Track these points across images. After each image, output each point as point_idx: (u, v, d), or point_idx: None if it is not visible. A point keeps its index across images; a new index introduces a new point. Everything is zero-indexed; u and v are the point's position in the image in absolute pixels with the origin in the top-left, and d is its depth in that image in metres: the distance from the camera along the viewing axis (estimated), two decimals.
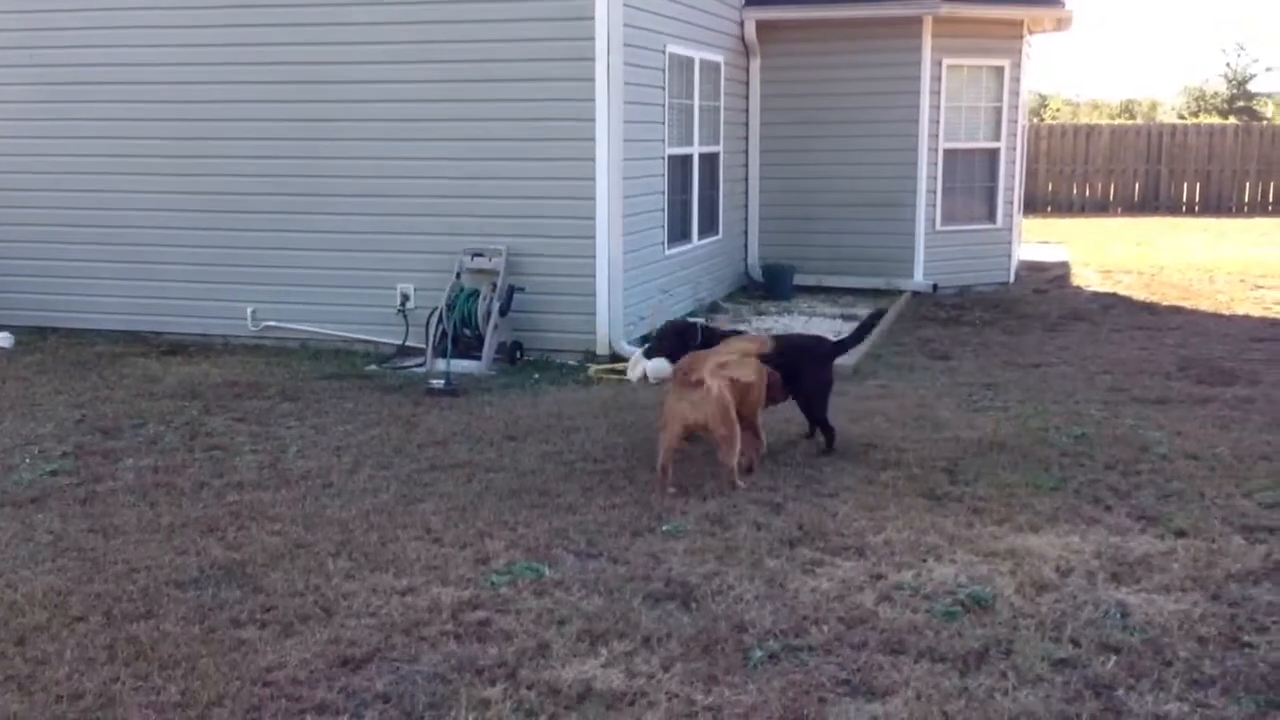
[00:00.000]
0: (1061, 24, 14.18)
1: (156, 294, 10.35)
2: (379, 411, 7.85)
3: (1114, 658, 4.17)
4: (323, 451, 6.86)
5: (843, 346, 7.27)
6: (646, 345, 7.31)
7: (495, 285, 9.25)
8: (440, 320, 9.24)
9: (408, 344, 9.64)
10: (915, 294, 13.02)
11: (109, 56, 10.13)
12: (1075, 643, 4.29)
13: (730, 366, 6.09)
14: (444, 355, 9.00)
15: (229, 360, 9.56)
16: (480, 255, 9.42)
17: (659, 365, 7.06)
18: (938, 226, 13.35)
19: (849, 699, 3.92)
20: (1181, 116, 43.10)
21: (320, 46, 9.65)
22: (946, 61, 13.03)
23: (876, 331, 10.60)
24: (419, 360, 9.36)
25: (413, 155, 9.60)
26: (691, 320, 7.50)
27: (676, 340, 7.00)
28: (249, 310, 10.13)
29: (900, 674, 4.07)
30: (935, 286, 13.20)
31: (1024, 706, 3.84)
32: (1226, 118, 39.48)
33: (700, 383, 5.93)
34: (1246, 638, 4.32)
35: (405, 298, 9.71)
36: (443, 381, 8.53)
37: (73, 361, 9.44)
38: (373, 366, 9.34)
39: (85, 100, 10.26)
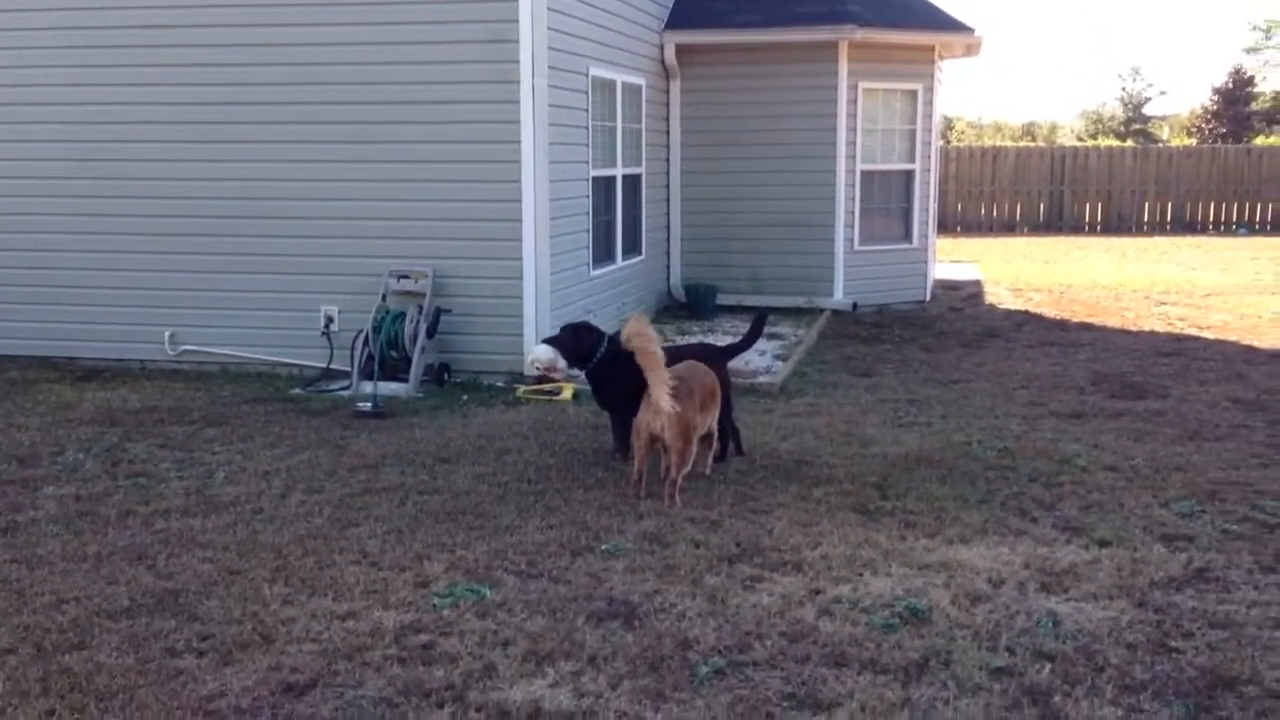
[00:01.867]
0: (971, 49, 14.58)
1: (69, 318, 10.07)
2: (306, 435, 7.75)
3: (1049, 665, 4.29)
4: (251, 476, 6.74)
5: (732, 351, 7.44)
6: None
7: (422, 307, 9.19)
8: (366, 342, 9.15)
9: (333, 366, 9.52)
10: (836, 312, 13.24)
11: (19, 76, 9.86)
12: (1011, 651, 4.41)
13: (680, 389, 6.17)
14: (370, 378, 8.91)
15: (147, 385, 9.35)
16: (406, 277, 9.36)
17: (543, 350, 7.07)
18: (856, 246, 13.60)
19: (795, 712, 3.98)
20: (1080, 139, 44.57)
21: (239, 68, 9.52)
22: (862, 85, 13.31)
23: (801, 349, 10.78)
24: (345, 383, 9.26)
25: (336, 176, 9.50)
26: (591, 323, 7.52)
27: (572, 335, 7.10)
28: (167, 334, 9.91)
29: (844, 686, 4.14)
30: (855, 305, 13.43)
31: (965, 715, 3.94)
32: (1124, 140, 40.92)
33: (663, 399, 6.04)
34: (1173, 643, 4.48)
35: (329, 320, 9.60)
36: (370, 404, 8.45)
37: None
38: (297, 390, 9.21)
39: None
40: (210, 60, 9.57)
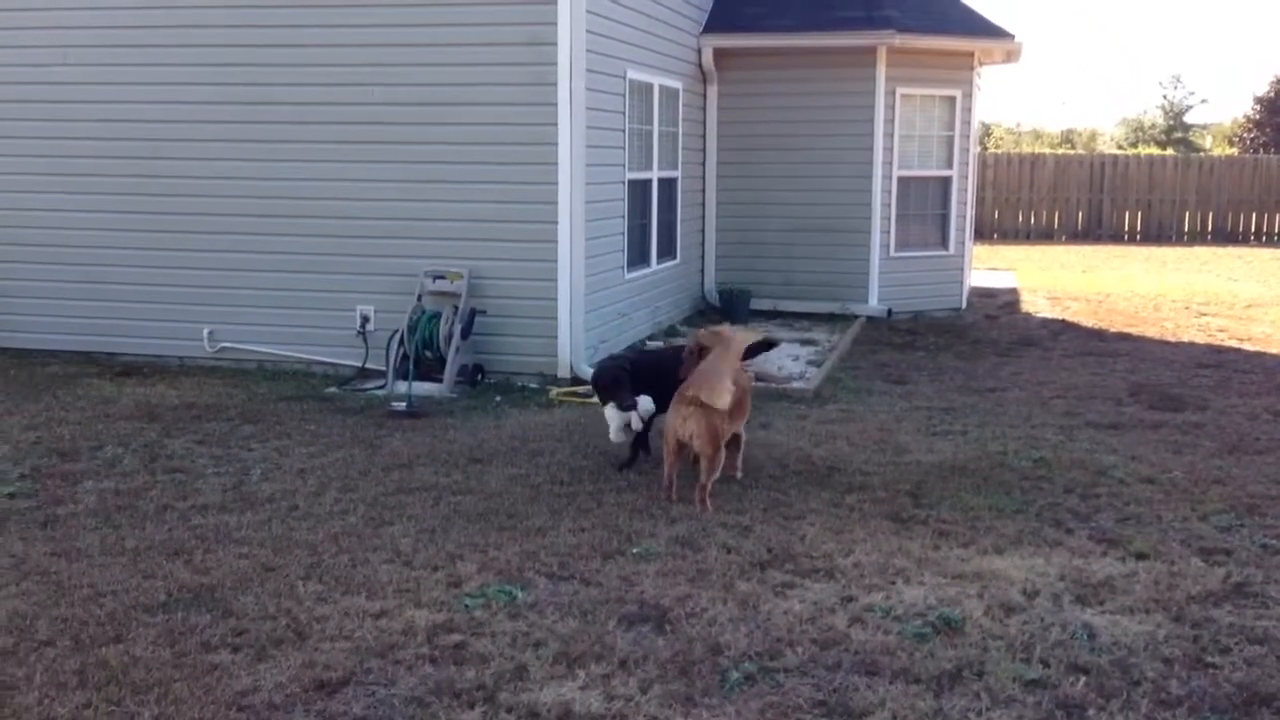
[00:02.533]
0: (1011, 56, 14.48)
1: (110, 314, 10.20)
2: (341, 434, 7.80)
3: (1083, 678, 4.25)
4: (286, 474, 6.80)
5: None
6: (610, 403, 6.84)
7: (457, 308, 9.23)
8: (401, 342, 9.21)
9: (368, 366, 9.58)
10: (870, 319, 13.18)
11: (61, 75, 10.00)
12: (1045, 664, 4.37)
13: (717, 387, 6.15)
14: (405, 377, 8.96)
15: (185, 382, 9.44)
16: (442, 278, 9.41)
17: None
18: (892, 252, 13.53)
19: None
20: (1120, 147, 44.15)
21: (279, 68, 9.61)
22: (900, 91, 13.25)
23: (835, 355, 10.73)
24: (379, 382, 9.31)
25: (374, 177, 9.57)
26: (618, 359, 7.27)
27: (620, 381, 6.80)
28: (205, 331, 10.02)
29: (875, 695, 4.12)
30: (890, 311, 13.37)
31: None
32: (1164, 148, 40.49)
33: (695, 400, 6.07)
34: (1210, 658, 4.43)
35: (365, 319, 9.66)
36: (404, 404, 8.50)
37: (25, 383, 9.27)
38: (333, 389, 9.27)
39: (36, 118, 10.12)
40: (250, 60, 9.66)
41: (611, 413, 6.81)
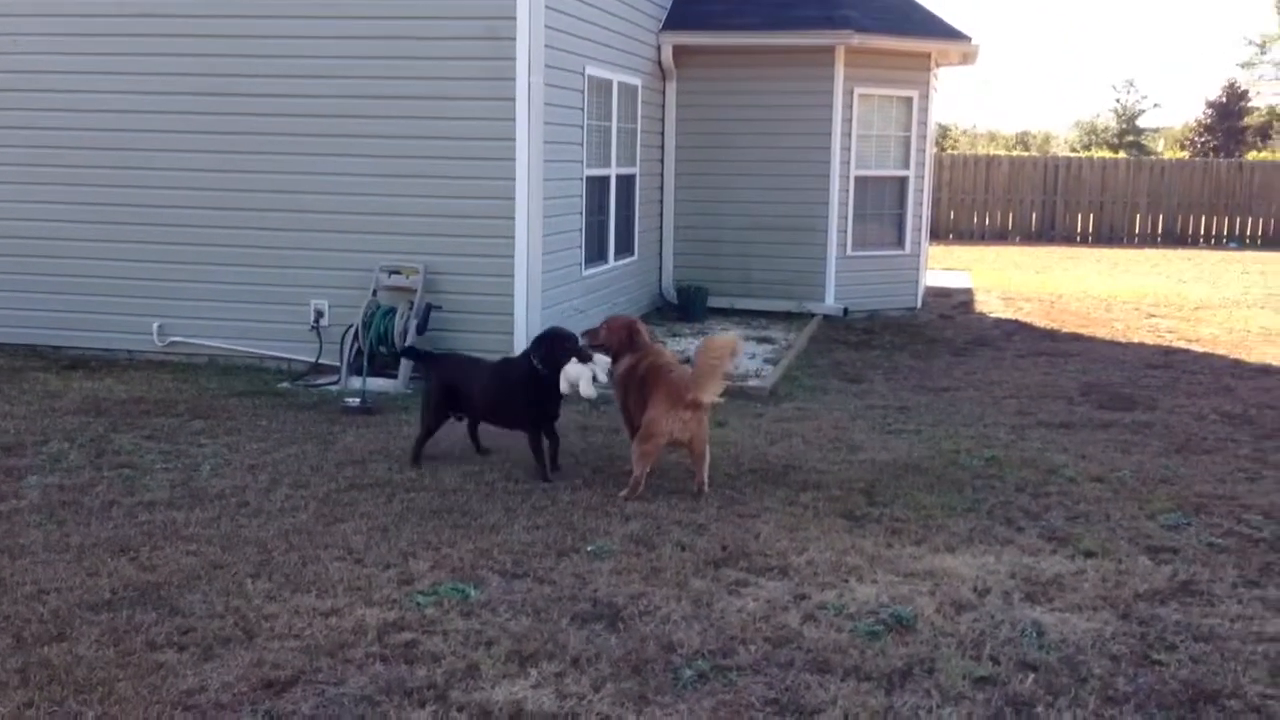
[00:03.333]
0: (967, 58, 14.60)
1: (57, 307, 10.02)
2: (294, 430, 7.72)
3: (1032, 675, 4.29)
4: (237, 470, 6.71)
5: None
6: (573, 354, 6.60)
7: (412, 303, 9.16)
8: (356, 337, 9.12)
9: (321, 361, 9.49)
10: (827, 317, 13.24)
11: (7, 63, 9.81)
12: (995, 661, 4.41)
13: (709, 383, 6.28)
14: (359, 373, 8.88)
15: (134, 376, 9.30)
16: (397, 273, 9.33)
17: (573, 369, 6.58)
18: (849, 251, 13.60)
19: (778, 718, 3.97)
20: (1074, 149, 44.70)
21: (232, 59, 9.48)
22: (858, 91, 13.31)
23: (791, 354, 10.76)
24: (333, 378, 9.22)
25: (329, 170, 9.47)
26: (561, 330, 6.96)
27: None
28: (155, 325, 9.87)
29: (827, 693, 4.13)
30: (846, 310, 13.43)
31: None
32: (1116, 151, 41.04)
33: (697, 404, 6.21)
34: (1156, 656, 4.49)
35: (319, 314, 9.56)
36: (359, 400, 8.42)
37: None
38: (285, 384, 9.17)
39: None
40: (202, 51, 9.53)
41: (575, 369, 6.53)
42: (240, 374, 9.48)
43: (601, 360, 6.68)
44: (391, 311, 9.16)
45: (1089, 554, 5.59)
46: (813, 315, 13.17)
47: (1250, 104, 45.48)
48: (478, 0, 9.09)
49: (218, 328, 9.80)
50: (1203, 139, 43.11)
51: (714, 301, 13.31)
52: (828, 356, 11.12)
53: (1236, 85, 45.53)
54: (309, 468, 6.79)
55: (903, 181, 14.10)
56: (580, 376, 6.53)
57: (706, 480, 6.44)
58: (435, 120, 9.25)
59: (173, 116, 9.64)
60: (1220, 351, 11.94)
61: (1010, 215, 28.12)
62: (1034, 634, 4.64)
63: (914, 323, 13.57)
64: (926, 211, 15.03)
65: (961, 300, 15.93)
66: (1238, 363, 11.30)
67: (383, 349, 9.14)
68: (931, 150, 15.53)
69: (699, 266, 13.59)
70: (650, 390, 6.33)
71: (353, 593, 4.91)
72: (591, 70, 10.62)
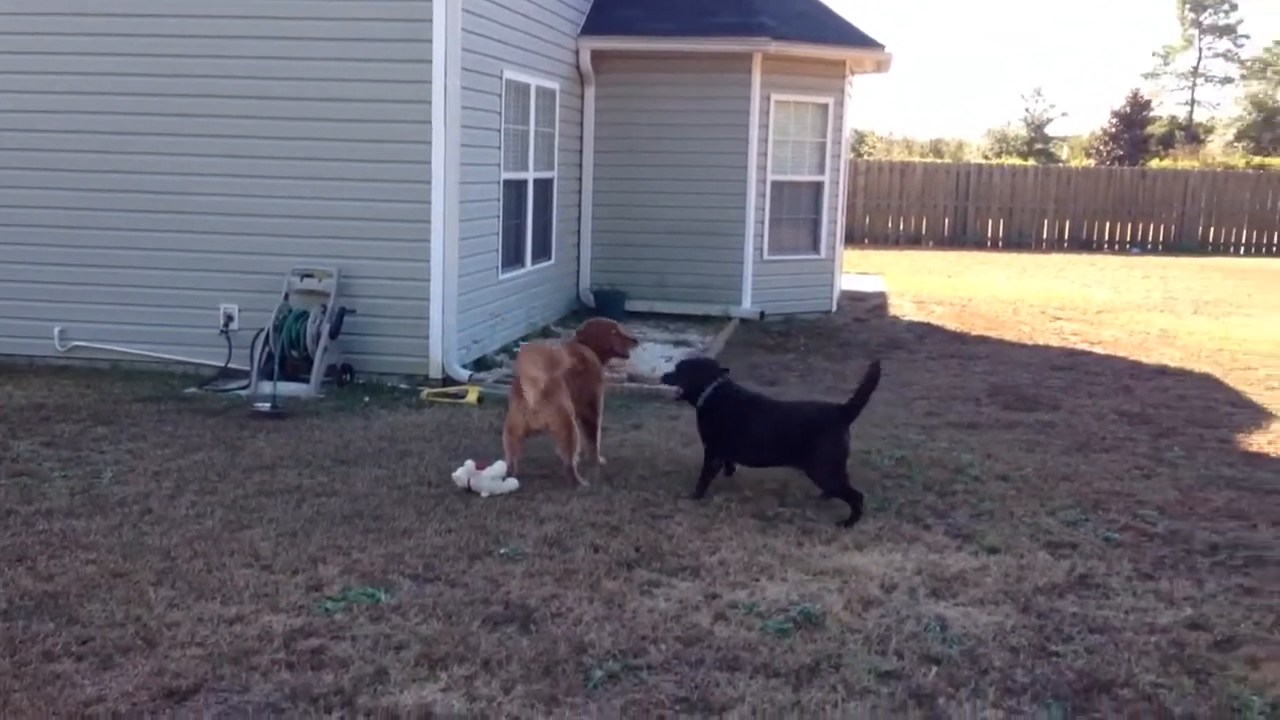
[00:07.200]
0: (881, 65, 14.84)
1: None
2: (201, 435, 7.57)
3: (935, 669, 4.38)
4: (141, 477, 6.57)
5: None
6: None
7: (325, 307, 9.05)
8: (266, 341, 8.98)
9: (231, 366, 9.32)
10: (744, 321, 13.36)
11: None
12: (899, 655, 4.49)
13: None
14: (270, 377, 8.75)
15: (34, 381, 9.05)
16: (310, 276, 9.21)
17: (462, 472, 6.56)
18: (765, 256, 13.74)
19: (687, 716, 4.00)
20: (986, 156, 45.66)
21: (138, 57, 9.29)
22: (775, 97, 13.47)
23: (708, 357, 10.83)
24: (243, 383, 9.07)
25: (240, 171, 9.32)
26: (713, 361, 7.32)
27: (690, 370, 6.86)
28: (56, 329, 9.61)
29: (736, 690, 4.18)
30: (763, 314, 13.57)
31: (853, 717, 4.00)
32: (1026, 159, 42.00)
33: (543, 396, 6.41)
34: (1054, 647, 4.61)
35: (229, 318, 9.40)
36: (269, 404, 8.30)
37: None
38: (193, 389, 9.00)
39: None
40: (108, 50, 9.33)
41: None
42: (146, 379, 9.27)
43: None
44: (304, 315, 9.04)
45: (992, 550, 5.72)
46: (730, 318, 13.28)
47: (1153, 113, 46.89)
48: (395, 2, 9.03)
49: (122, 332, 9.58)
50: (1108, 147, 44.37)
51: (632, 305, 13.36)
52: (744, 359, 11.21)
53: (1140, 95, 46.93)
54: (216, 474, 6.68)
55: (818, 187, 14.30)
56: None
57: (574, 467, 6.59)
58: (350, 122, 9.16)
59: (75, 116, 9.42)
60: (1121, 354, 12.30)
61: (924, 220, 28.65)
62: (938, 629, 4.74)
63: (829, 326, 13.75)
64: (842, 216, 15.24)
65: (876, 304, 16.19)
66: (1137, 364, 11.65)
67: (294, 353, 9.02)
68: (847, 156, 15.76)
69: (617, 270, 13.63)
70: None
71: (259, 599, 4.84)
72: (509, 74, 10.60)
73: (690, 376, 6.73)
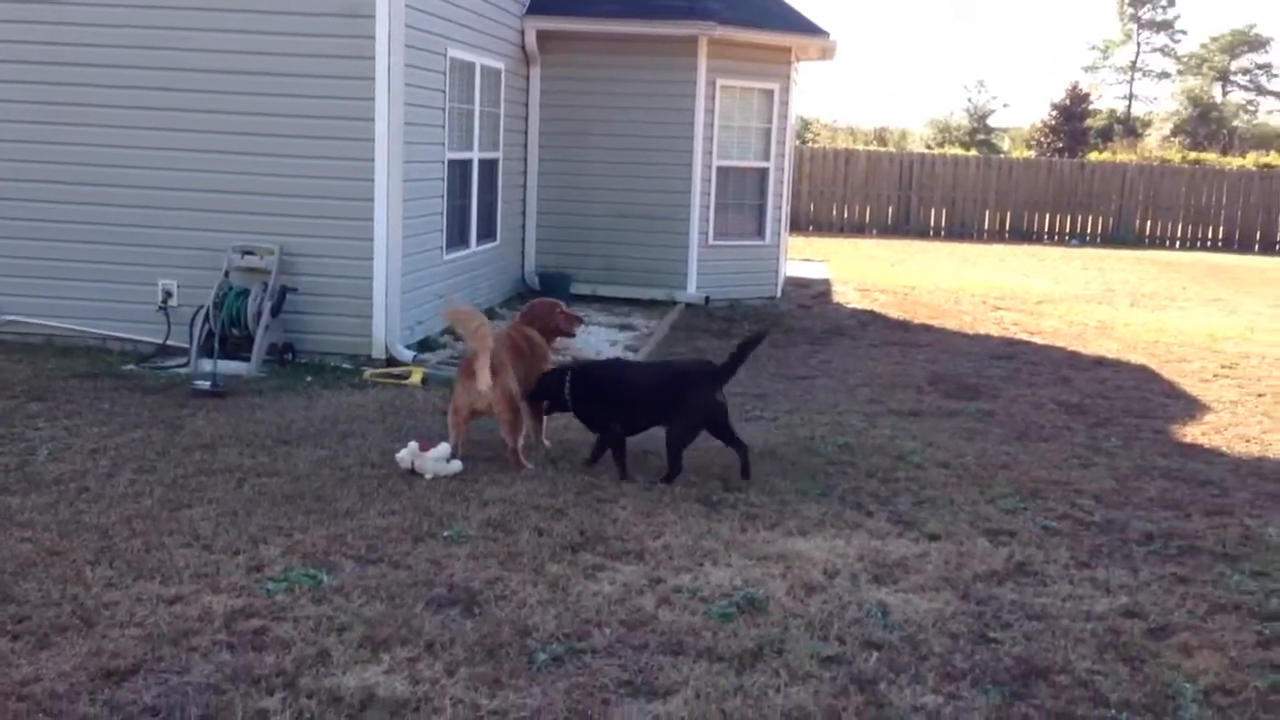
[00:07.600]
0: (826, 53, 14.90)
1: None
2: (139, 413, 7.45)
3: (876, 654, 4.44)
4: (77, 454, 6.45)
5: None
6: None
7: (267, 284, 8.92)
8: (206, 319, 8.84)
9: (170, 343, 9.17)
10: (689, 306, 13.39)
11: None
12: (841, 640, 4.54)
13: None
14: (210, 355, 8.61)
15: None
16: (251, 253, 9.07)
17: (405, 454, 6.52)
18: (710, 241, 13.77)
19: (631, 699, 4.02)
20: (929, 146, 46.08)
21: (78, 27, 9.07)
22: (720, 82, 13.48)
23: (652, 341, 10.85)
24: (182, 360, 8.92)
25: (180, 145, 9.14)
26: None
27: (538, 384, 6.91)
28: None
29: (680, 674, 4.20)
30: (708, 299, 13.61)
31: (795, 702, 4.04)
32: (968, 149, 42.47)
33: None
34: (992, 634, 4.69)
35: (168, 294, 9.24)
36: (209, 383, 8.18)
37: None
38: (131, 366, 8.84)
39: None
40: (47, 18, 9.10)
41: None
42: (82, 355, 9.09)
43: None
44: (245, 293, 8.91)
45: (933, 537, 5.81)
46: (675, 303, 13.30)
47: (1093, 106, 47.61)
48: None
49: (58, 306, 9.38)
50: (1048, 139, 44.96)
51: (577, 288, 13.33)
52: (688, 344, 11.25)
53: (1079, 88, 47.62)
54: (155, 452, 6.57)
55: (764, 173, 14.35)
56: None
57: (519, 450, 6.63)
58: (292, 98, 9.02)
59: (13, 86, 9.18)
60: (1060, 344, 12.51)
61: (868, 209, 28.87)
62: (879, 614, 4.80)
63: (773, 312, 13.83)
64: (787, 203, 15.32)
65: (820, 291, 16.30)
66: (1075, 354, 11.85)
67: (235, 331, 8.89)
68: (792, 143, 15.83)
69: (562, 253, 13.58)
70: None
71: (199, 579, 4.78)
72: (454, 52, 10.50)
73: (545, 384, 6.85)
